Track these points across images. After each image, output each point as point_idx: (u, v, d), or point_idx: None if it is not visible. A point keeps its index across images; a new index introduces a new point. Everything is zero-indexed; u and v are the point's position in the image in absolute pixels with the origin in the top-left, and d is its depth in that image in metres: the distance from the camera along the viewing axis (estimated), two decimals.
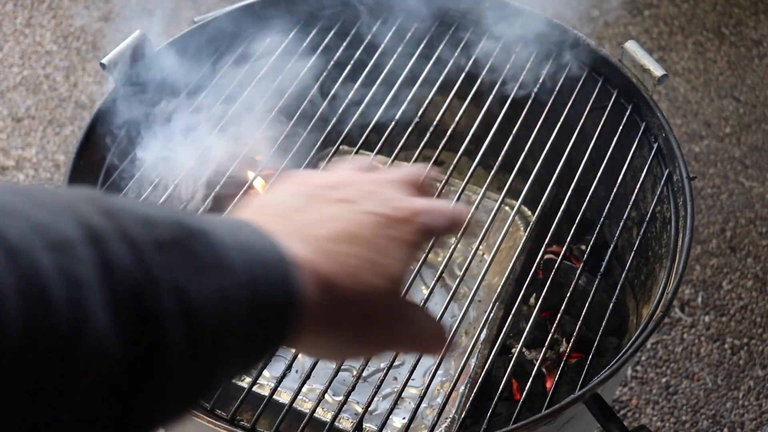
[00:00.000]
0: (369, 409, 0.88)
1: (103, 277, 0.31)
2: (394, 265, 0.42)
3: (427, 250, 0.96)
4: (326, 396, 1.04)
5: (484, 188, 1.05)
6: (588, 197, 1.05)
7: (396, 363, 0.97)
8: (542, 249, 1.01)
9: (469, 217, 0.51)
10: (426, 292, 0.97)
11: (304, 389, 0.92)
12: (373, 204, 0.43)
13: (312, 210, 0.42)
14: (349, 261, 0.40)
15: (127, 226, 0.33)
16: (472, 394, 0.91)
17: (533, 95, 1.14)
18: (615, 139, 1.10)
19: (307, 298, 0.38)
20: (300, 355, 1.01)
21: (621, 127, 1.11)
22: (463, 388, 1.03)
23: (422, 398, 0.88)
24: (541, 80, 1.16)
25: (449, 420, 1.02)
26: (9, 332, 0.28)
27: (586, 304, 0.95)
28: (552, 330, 0.94)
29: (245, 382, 1.00)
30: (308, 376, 0.89)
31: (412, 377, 0.89)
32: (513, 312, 0.98)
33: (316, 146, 1.10)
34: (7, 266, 0.29)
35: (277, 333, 0.38)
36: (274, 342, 0.39)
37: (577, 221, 1.03)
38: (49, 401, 0.30)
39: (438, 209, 0.45)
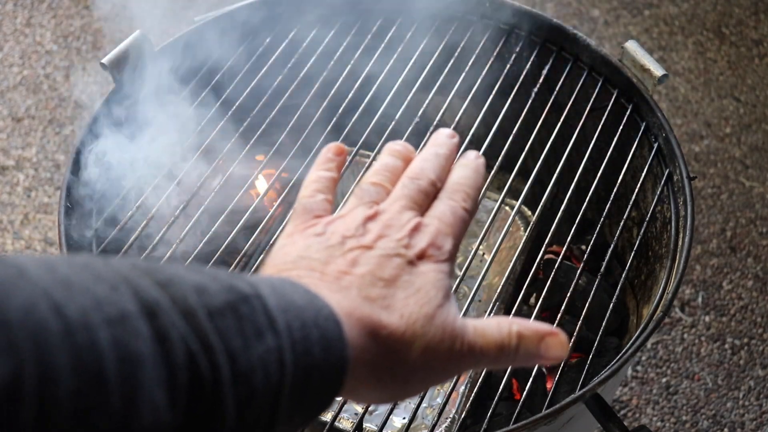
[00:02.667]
0: (369, 409, 0.88)
1: (158, 351, 0.32)
2: (427, 295, 0.42)
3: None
4: None
5: (484, 188, 1.05)
6: (588, 197, 1.05)
7: None
8: (542, 249, 1.01)
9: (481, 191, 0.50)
10: None
11: None
12: (387, 243, 0.44)
13: (338, 261, 0.43)
14: (387, 301, 0.41)
15: (180, 296, 0.34)
16: (472, 394, 0.91)
17: (533, 95, 1.14)
18: (615, 139, 1.10)
19: (356, 349, 0.39)
20: None
21: (621, 127, 1.11)
22: (463, 388, 1.03)
23: (422, 398, 0.88)
24: (541, 80, 1.16)
25: (449, 420, 1.02)
26: (62, 412, 0.29)
27: (586, 304, 0.95)
28: None
29: None
30: None
31: None
32: (513, 312, 0.98)
33: (316, 146, 1.10)
34: (65, 344, 0.29)
35: (331, 387, 0.39)
36: (330, 396, 0.39)
37: (577, 221, 1.03)
38: None
39: (443, 230, 0.45)
